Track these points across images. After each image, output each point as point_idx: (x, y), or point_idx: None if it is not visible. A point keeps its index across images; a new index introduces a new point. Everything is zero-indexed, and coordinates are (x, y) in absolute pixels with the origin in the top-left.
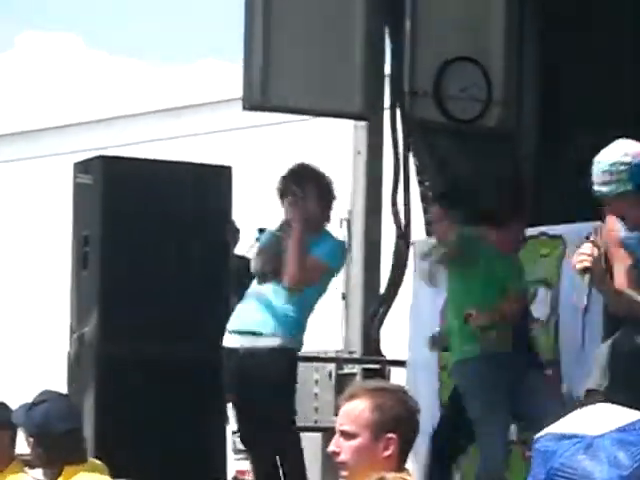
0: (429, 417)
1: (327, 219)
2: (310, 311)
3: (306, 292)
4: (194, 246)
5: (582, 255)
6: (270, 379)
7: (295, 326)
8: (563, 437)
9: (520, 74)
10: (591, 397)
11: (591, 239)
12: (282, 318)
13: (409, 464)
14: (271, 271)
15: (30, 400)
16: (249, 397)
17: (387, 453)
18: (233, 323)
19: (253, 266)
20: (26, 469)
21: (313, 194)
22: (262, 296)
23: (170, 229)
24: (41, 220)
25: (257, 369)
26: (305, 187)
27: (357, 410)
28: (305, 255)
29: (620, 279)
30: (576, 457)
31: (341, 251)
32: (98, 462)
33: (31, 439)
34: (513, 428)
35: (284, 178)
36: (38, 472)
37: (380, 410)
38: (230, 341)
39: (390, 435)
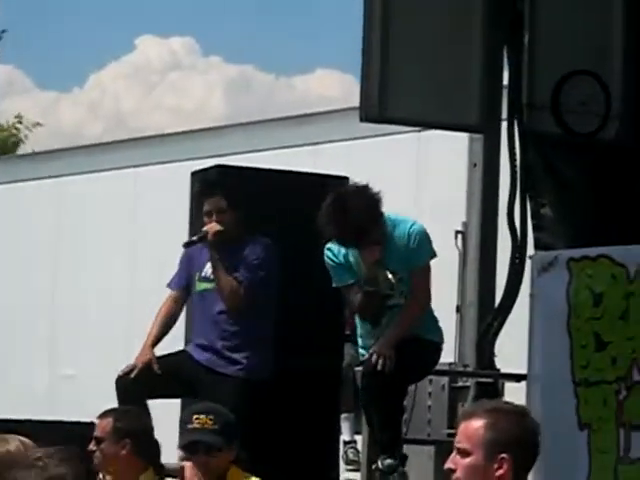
0: (564, 435)
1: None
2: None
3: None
4: (311, 258)
5: None
6: None
7: None
8: None
9: None
10: None
11: None
12: None
13: None
14: None
15: None
16: None
17: (499, 473)
18: None
19: None
20: None
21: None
22: None
23: (288, 238)
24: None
25: None
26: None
27: (473, 428)
28: None
29: None
30: None
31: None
32: None
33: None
34: None
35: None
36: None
37: (494, 429)
38: None
39: (503, 455)
